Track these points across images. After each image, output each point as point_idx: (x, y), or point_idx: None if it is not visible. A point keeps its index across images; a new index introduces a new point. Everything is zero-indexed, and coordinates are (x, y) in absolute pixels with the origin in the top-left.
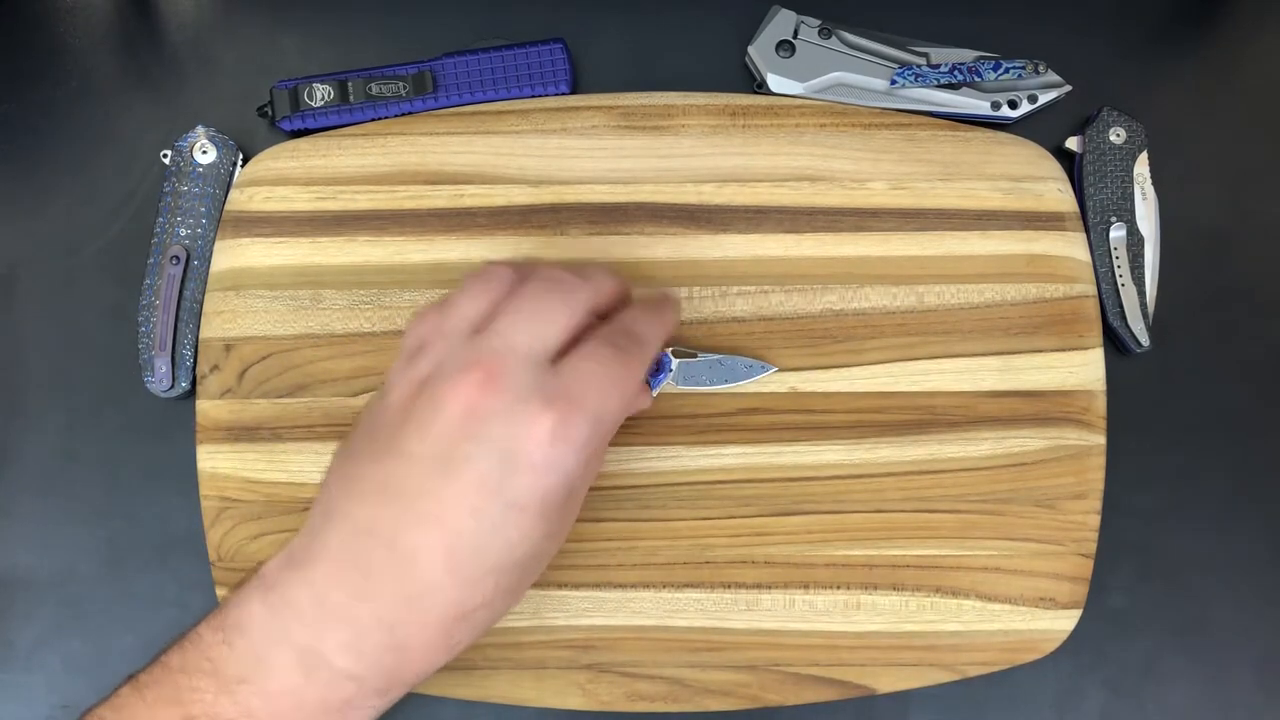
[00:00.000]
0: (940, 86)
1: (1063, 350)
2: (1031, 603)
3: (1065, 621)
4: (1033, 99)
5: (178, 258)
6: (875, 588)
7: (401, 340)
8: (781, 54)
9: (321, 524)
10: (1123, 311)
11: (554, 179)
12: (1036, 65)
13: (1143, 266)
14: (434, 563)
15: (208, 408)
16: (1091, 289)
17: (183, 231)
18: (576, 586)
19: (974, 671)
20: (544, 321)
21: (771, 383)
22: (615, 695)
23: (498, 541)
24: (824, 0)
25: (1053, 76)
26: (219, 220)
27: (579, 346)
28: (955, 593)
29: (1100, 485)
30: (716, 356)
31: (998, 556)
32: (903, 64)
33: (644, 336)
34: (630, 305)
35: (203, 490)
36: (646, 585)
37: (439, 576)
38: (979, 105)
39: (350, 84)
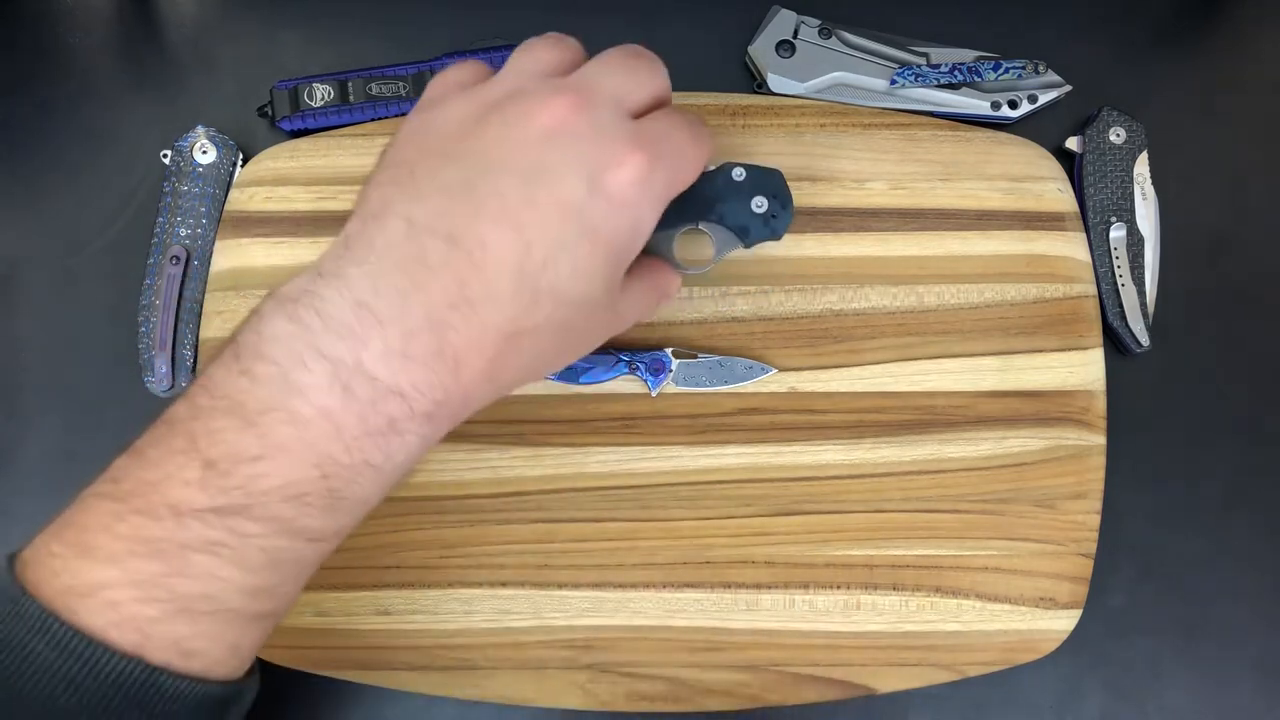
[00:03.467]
0: (940, 86)
1: (1063, 350)
2: (1031, 603)
3: (1065, 621)
4: (1033, 99)
5: (178, 258)
6: (875, 588)
7: (436, 79)
8: (781, 54)
9: (361, 229)
10: (1123, 311)
11: None
12: (1036, 65)
13: (1143, 266)
14: (502, 265)
15: None
16: (1091, 289)
17: (183, 231)
18: (576, 586)
19: (974, 671)
20: (633, 78)
21: (771, 383)
22: (615, 695)
23: (564, 263)
24: (824, 0)
25: (1053, 76)
26: (219, 220)
27: (654, 113)
28: (955, 593)
29: (1100, 485)
30: (716, 358)
31: (998, 556)
32: (903, 64)
33: (700, 133)
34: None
35: None
36: (646, 585)
37: (502, 284)
38: (979, 105)
39: (350, 84)
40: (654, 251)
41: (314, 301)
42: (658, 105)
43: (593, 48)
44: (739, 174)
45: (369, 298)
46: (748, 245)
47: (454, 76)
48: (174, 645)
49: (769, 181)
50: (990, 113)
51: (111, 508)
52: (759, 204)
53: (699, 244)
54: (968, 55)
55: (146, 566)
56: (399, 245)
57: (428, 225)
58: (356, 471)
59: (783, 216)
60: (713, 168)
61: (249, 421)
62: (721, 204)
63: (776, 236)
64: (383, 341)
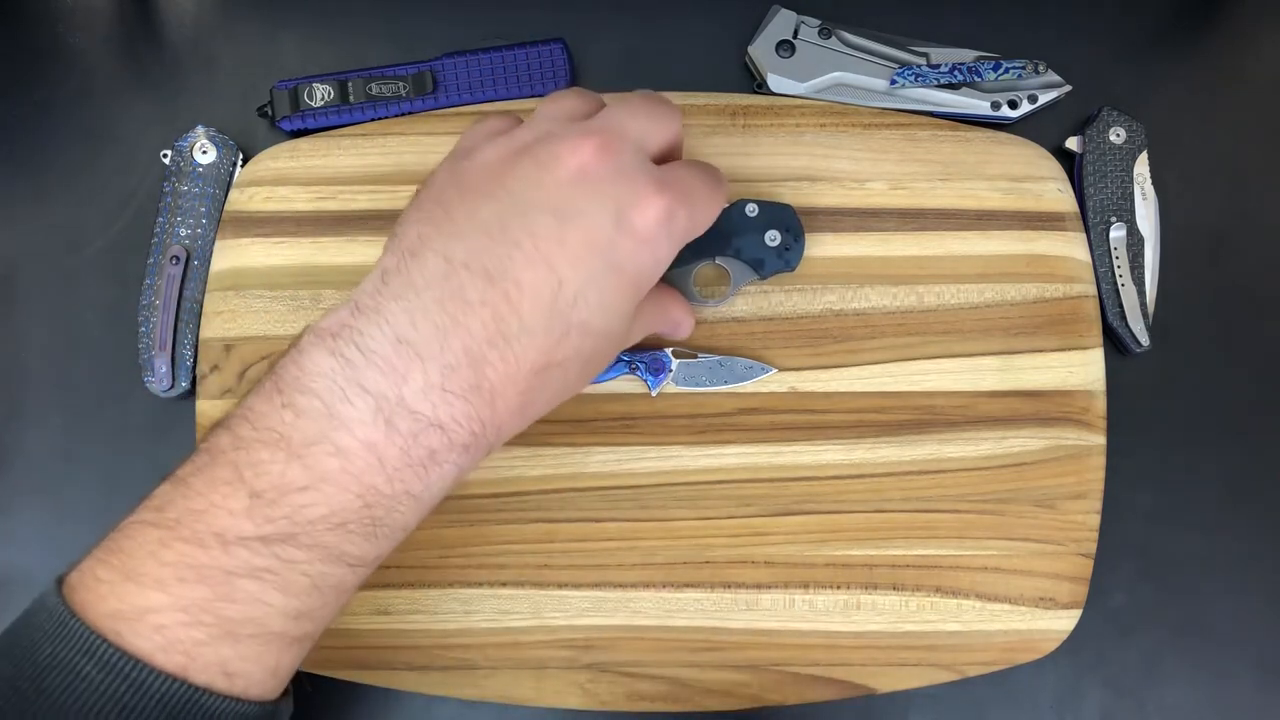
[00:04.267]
0: (940, 86)
1: (1063, 350)
2: (1031, 603)
3: (1065, 621)
4: (1033, 99)
5: (178, 258)
6: (875, 588)
7: (468, 132)
8: (781, 54)
9: (399, 264)
10: (1123, 311)
11: None
12: (1036, 65)
13: (1143, 266)
14: (537, 301)
15: (207, 408)
16: (1091, 289)
17: (183, 231)
18: (576, 586)
19: (974, 671)
20: (654, 123)
21: (771, 383)
22: (615, 695)
23: (593, 298)
24: (824, 0)
25: (1053, 76)
26: (219, 220)
27: (676, 162)
28: (955, 593)
29: (1100, 485)
30: (716, 358)
31: (998, 556)
32: (903, 64)
33: (717, 182)
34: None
35: None
36: (646, 585)
37: (537, 320)
38: (979, 105)
39: (350, 84)
40: (673, 285)
41: (354, 336)
42: (673, 148)
43: (594, 47)
44: (752, 210)
45: (409, 333)
46: (763, 277)
47: (486, 128)
48: (218, 667)
49: (781, 216)
50: (990, 113)
51: (157, 535)
52: (772, 237)
53: (717, 278)
54: (968, 55)
55: (193, 592)
56: (437, 282)
57: (465, 262)
58: (397, 500)
59: (795, 249)
60: (726, 205)
61: (294, 454)
62: (737, 239)
63: (790, 268)
64: (423, 376)
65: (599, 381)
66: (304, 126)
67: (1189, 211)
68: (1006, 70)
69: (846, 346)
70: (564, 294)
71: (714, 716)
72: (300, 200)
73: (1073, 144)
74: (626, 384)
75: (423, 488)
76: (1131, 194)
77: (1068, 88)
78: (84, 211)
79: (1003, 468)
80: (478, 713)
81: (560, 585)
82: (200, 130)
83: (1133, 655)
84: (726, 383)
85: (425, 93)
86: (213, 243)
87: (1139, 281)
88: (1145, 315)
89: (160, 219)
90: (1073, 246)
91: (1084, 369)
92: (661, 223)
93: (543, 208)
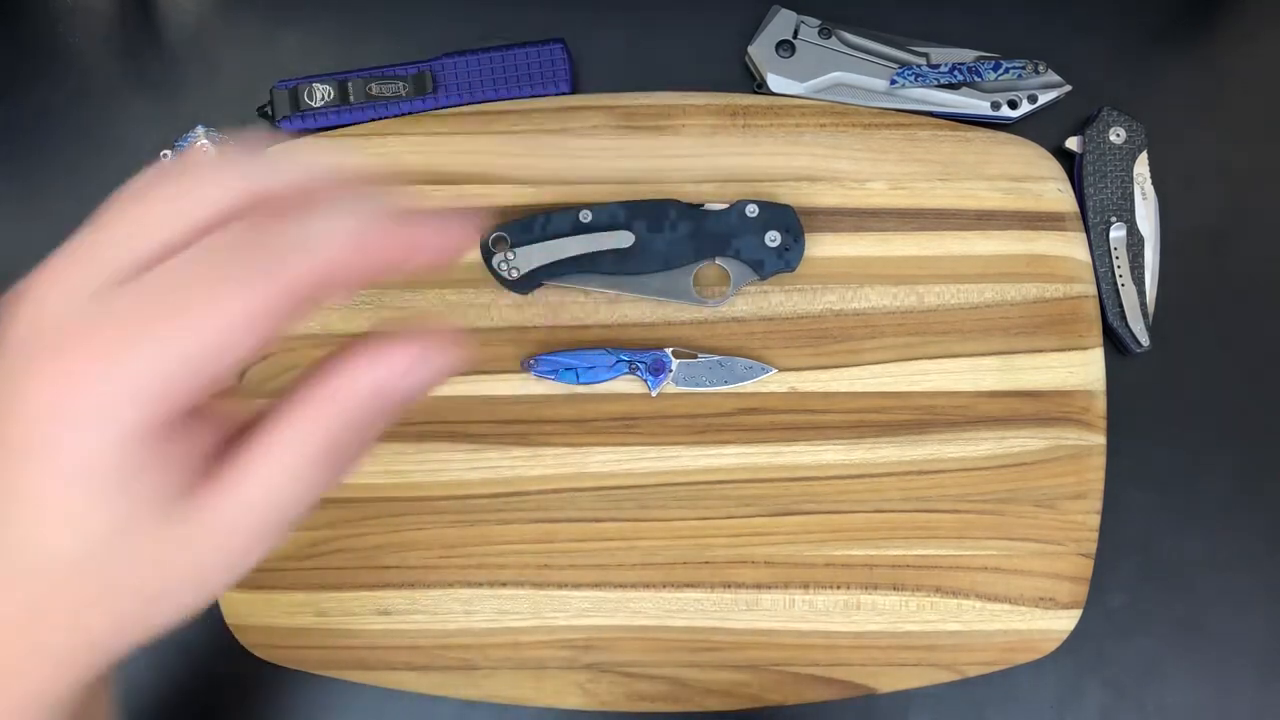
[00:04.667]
0: (940, 86)
1: (1063, 350)
2: (1031, 603)
3: (1065, 621)
4: (1033, 99)
5: None
6: (875, 588)
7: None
8: (781, 54)
9: None
10: (1123, 311)
11: (554, 179)
12: (1036, 65)
13: (1143, 266)
14: None
15: None
16: (1091, 289)
17: None
18: (576, 586)
19: (974, 671)
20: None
21: (771, 383)
22: (615, 695)
23: None
24: (824, 0)
25: (1053, 76)
26: None
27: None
28: (955, 593)
29: (1100, 485)
30: (716, 358)
31: (998, 556)
32: (903, 64)
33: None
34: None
35: None
36: (646, 585)
37: None
38: (979, 105)
39: (350, 84)
40: (674, 290)
41: None
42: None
43: (594, 47)
44: (752, 210)
45: None
46: (763, 278)
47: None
48: None
49: (781, 217)
50: (990, 113)
51: None
52: (772, 238)
53: (717, 278)
54: (968, 55)
55: None
56: None
57: None
58: None
59: (795, 249)
60: (726, 205)
61: None
62: (737, 240)
63: (790, 269)
64: None
65: (599, 381)
66: (304, 126)
67: (1189, 211)
68: (1006, 70)
69: (846, 346)
70: None
71: (714, 716)
72: None
73: (1073, 144)
74: (627, 384)
75: None
76: (1131, 194)
77: (1068, 88)
78: (84, 211)
79: (1003, 468)
80: (478, 713)
81: (560, 585)
82: (200, 130)
83: (1133, 655)
84: (726, 383)
85: (425, 93)
86: None
87: (1139, 281)
88: (1145, 315)
89: None
90: (1073, 246)
91: (1084, 369)
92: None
93: None
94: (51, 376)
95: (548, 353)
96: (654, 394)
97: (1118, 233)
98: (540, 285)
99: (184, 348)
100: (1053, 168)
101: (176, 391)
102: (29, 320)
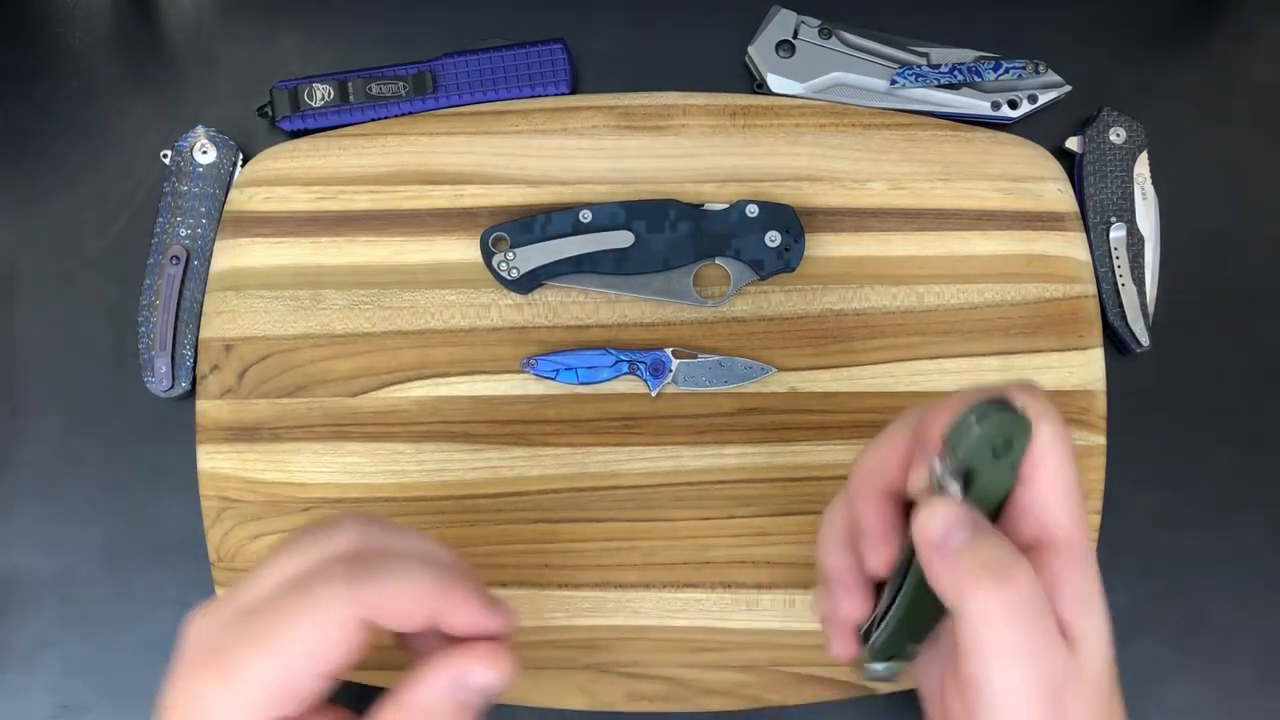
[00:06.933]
0: (940, 86)
1: (1063, 350)
2: None
3: None
4: (1033, 99)
5: (178, 258)
6: None
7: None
8: (781, 54)
9: None
10: (1123, 311)
11: (554, 179)
12: (1036, 65)
13: (1143, 266)
14: None
15: (208, 408)
16: (1091, 289)
17: (183, 231)
18: (576, 586)
19: None
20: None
21: (771, 383)
22: (615, 695)
23: None
24: (824, 0)
25: (1053, 76)
26: (219, 220)
27: None
28: None
29: (1100, 485)
30: (716, 358)
31: None
32: (903, 64)
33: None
34: None
35: (203, 490)
36: (647, 585)
37: None
38: (979, 105)
39: (350, 84)
40: (674, 290)
41: None
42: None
43: (594, 47)
44: (752, 210)
45: None
46: (763, 278)
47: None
48: None
49: (781, 216)
50: (990, 113)
51: None
52: (772, 238)
53: (717, 278)
54: (968, 55)
55: None
56: None
57: None
58: None
59: (795, 249)
60: (726, 205)
61: None
62: (737, 239)
63: (790, 269)
64: None
65: (599, 381)
66: (304, 126)
67: (1189, 211)
68: (1006, 70)
69: (847, 347)
70: None
71: (714, 716)
72: (300, 200)
73: (1073, 144)
74: (627, 384)
75: None
76: (1131, 194)
77: (1068, 88)
78: (84, 211)
79: None
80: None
81: (560, 585)
82: (200, 130)
83: (1133, 655)
84: (727, 383)
85: (425, 93)
86: (213, 243)
87: (1139, 281)
88: (1145, 315)
89: (160, 219)
90: (1073, 246)
91: (1084, 369)
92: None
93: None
94: (186, 691)
95: (548, 353)
96: (654, 394)
97: (1118, 233)
98: (540, 285)
99: (281, 659)
100: (1053, 168)
101: (283, 697)
102: (185, 639)
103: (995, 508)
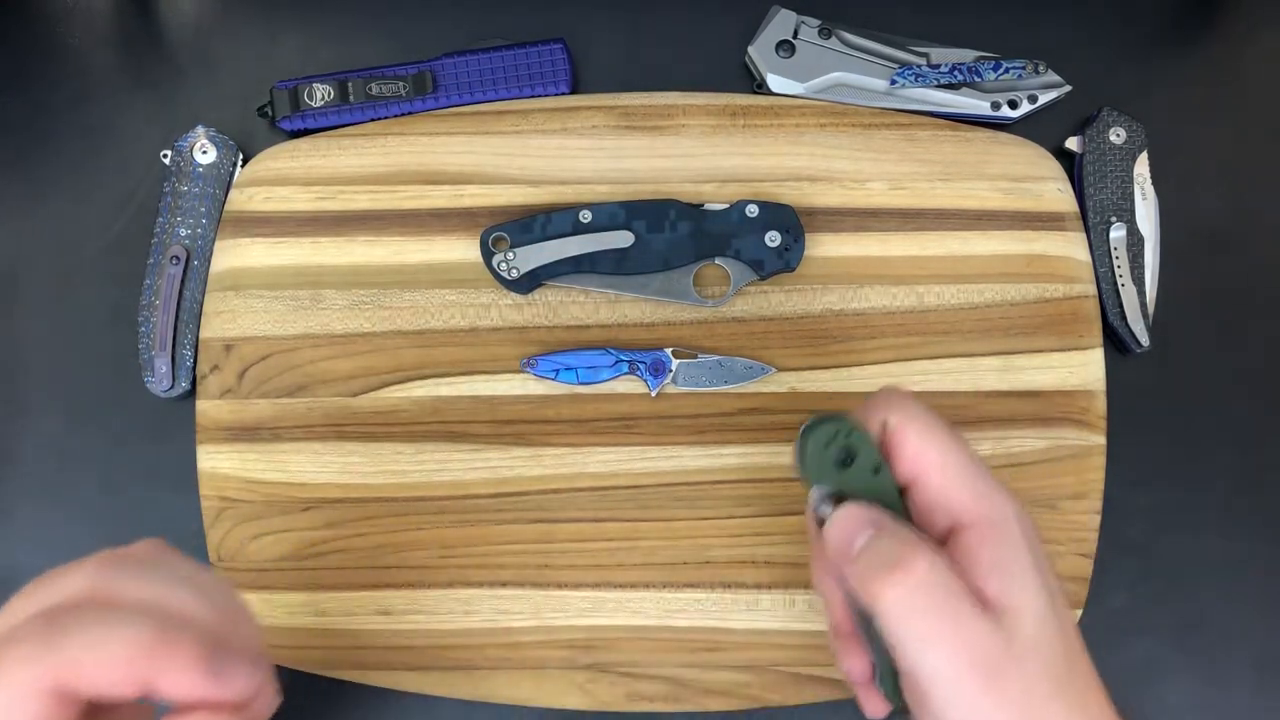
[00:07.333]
0: (940, 86)
1: (1063, 350)
2: None
3: None
4: (1033, 99)
5: (178, 258)
6: None
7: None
8: (781, 54)
9: None
10: (1123, 311)
11: (554, 179)
12: (1036, 65)
13: (1143, 266)
14: None
15: (208, 408)
16: (1091, 289)
17: (183, 231)
18: (576, 586)
19: None
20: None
21: (771, 383)
22: (615, 695)
23: None
24: (824, 0)
25: (1053, 76)
26: (219, 220)
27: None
28: None
29: (1100, 485)
30: (716, 358)
31: None
32: (903, 64)
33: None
34: None
35: (203, 490)
36: (646, 585)
37: None
38: (979, 105)
39: (350, 84)
40: (674, 290)
41: None
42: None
43: (594, 47)
44: (753, 210)
45: None
46: (763, 277)
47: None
48: None
49: (781, 216)
50: (990, 113)
51: None
52: (772, 238)
53: (717, 278)
54: (968, 55)
55: None
56: None
57: None
58: None
59: (795, 249)
60: (726, 205)
61: None
62: (737, 239)
63: (790, 268)
64: None
65: (599, 381)
66: (304, 126)
67: (1189, 211)
68: (1006, 70)
69: (846, 347)
70: None
71: (714, 716)
72: (300, 200)
73: (1073, 144)
74: (627, 384)
75: None
76: (1131, 194)
77: (1068, 88)
78: (84, 211)
79: (1003, 468)
80: (478, 713)
81: (560, 585)
82: (200, 130)
83: (1133, 655)
84: (727, 383)
85: (425, 93)
86: (213, 243)
87: (1139, 281)
88: (1145, 315)
89: (160, 219)
90: (1073, 246)
91: (1084, 369)
92: None
93: None
94: None
95: (548, 353)
96: (654, 394)
97: (1118, 233)
98: (540, 285)
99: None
100: (1053, 168)
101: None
102: None
103: (895, 515)
